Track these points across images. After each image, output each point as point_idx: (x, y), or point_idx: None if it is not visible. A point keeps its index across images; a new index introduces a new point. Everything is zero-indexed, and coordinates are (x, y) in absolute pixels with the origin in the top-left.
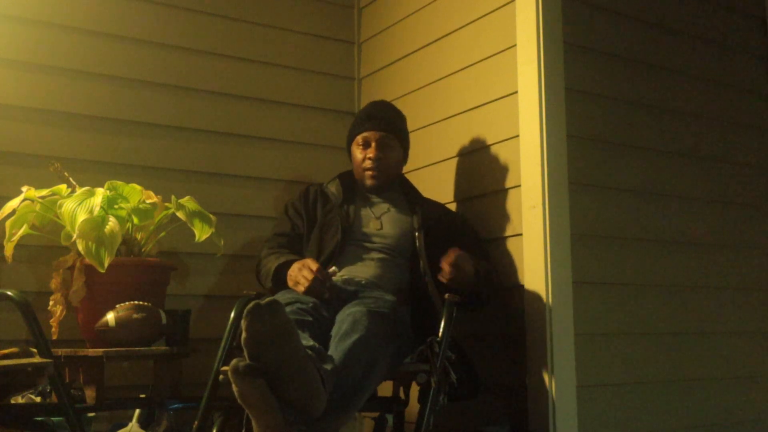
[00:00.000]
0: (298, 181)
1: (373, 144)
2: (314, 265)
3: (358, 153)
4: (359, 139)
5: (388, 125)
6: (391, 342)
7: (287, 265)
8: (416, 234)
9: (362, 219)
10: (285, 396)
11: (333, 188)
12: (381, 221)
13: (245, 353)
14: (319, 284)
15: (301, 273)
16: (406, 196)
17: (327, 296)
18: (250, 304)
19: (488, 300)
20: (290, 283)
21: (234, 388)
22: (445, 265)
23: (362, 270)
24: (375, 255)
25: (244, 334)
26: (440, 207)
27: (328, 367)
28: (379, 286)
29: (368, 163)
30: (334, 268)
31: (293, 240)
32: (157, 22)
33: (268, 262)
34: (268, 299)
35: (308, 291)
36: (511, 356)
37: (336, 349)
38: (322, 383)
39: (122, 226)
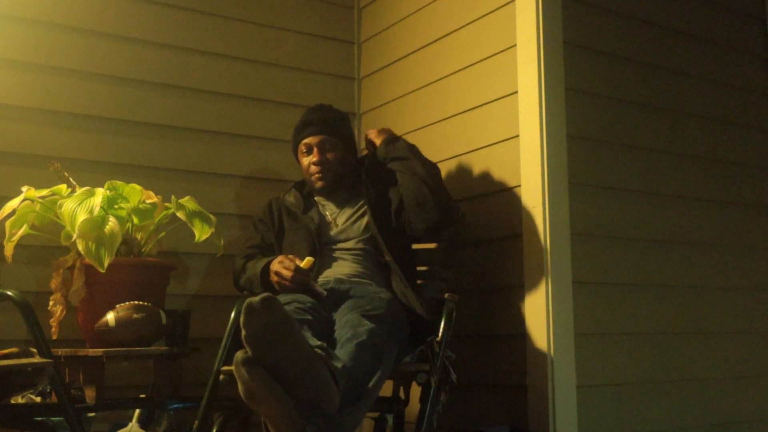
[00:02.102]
0: (298, 182)
1: (315, 149)
2: (292, 263)
3: (303, 160)
4: (302, 147)
5: (325, 128)
6: (394, 337)
7: (269, 266)
8: (364, 218)
9: (324, 222)
10: (298, 395)
11: (291, 198)
12: (336, 220)
13: (249, 351)
14: (302, 273)
15: (283, 264)
16: (354, 187)
17: (313, 289)
18: (245, 303)
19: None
20: (273, 278)
21: (239, 385)
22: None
23: (342, 269)
24: (345, 253)
25: (244, 332)
26: (385, 177)
27: (338, 365)
28: (366, 278)
29: (313, 168)
30: (308, 258)
31: (264, 251)
32: (157, 22)
33: (248, 269)
34: (261, 295)
35: (293, 280)
36: (511, 356)
37: (340, 352)
38: (334, 381)
39: (122, 226)
